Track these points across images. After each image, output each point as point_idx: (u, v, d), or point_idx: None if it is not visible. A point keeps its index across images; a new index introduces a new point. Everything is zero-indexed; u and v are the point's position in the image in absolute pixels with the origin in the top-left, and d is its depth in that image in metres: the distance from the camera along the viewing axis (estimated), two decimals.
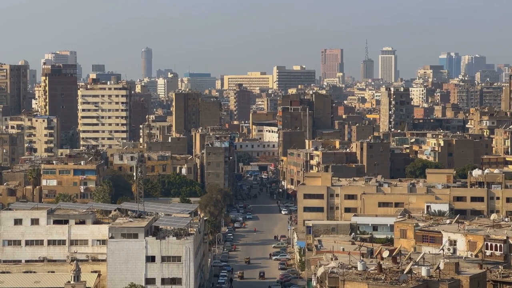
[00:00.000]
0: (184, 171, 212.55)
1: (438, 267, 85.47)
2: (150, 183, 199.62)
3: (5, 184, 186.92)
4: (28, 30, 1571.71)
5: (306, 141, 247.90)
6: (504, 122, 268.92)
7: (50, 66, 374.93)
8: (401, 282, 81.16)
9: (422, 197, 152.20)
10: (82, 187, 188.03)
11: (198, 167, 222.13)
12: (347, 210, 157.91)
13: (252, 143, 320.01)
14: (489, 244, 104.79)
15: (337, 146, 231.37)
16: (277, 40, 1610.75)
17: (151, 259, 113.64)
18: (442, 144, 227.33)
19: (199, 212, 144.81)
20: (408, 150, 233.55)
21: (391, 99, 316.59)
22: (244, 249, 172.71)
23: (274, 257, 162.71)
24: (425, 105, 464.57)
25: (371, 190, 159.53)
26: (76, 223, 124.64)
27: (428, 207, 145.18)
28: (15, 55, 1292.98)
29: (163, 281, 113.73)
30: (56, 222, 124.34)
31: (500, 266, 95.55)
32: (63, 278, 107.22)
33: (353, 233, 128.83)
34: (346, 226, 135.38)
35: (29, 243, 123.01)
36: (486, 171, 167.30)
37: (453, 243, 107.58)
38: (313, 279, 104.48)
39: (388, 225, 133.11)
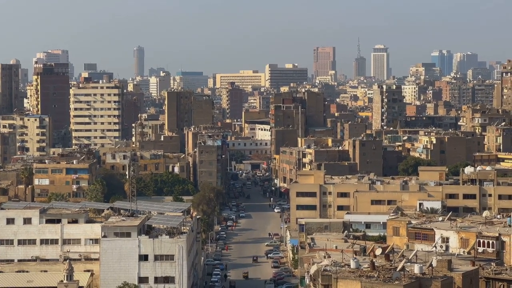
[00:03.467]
0: (176, 169, 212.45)
1: (430, 265, 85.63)
2: (143, 181, 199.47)
3: None
4: (20, 29, 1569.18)
5: (299, 139, 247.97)
6: (496, 119, 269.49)
7: (42, 65, 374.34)
8: (394, 280, 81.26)
9: (415, 194, 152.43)
10: (74, 186, 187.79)
11: (191, 165, 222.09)
12: (340, 208, 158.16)
13: (245, 141, 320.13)
14: (481, 241, 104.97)
15: (330, 144, 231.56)
16: (269, 38, 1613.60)
17: (144, 258, 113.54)
18: (434, 142, 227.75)
19: (192, 211, 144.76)
20: (400, 148, 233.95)
21: (384, 97, 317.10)
22: (237, 248, 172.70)
23: (268, 255, 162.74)
24: (418, 103, 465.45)
25: (364, 188, 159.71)
26: (68, 222, 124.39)
27: (420, 204, 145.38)
28: (6, 54, 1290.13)
29: (156, 279, 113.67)
30: (49, 221, 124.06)
31: (492, 263, 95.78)
32: (56, 277, 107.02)
33: (346, 231, 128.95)
34: (339, 224, 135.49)
35: (21, 242, 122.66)
36: (478, 168, 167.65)
37: (445, 240, 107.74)
38: (306, 277, 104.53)
39: (381, 223, 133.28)
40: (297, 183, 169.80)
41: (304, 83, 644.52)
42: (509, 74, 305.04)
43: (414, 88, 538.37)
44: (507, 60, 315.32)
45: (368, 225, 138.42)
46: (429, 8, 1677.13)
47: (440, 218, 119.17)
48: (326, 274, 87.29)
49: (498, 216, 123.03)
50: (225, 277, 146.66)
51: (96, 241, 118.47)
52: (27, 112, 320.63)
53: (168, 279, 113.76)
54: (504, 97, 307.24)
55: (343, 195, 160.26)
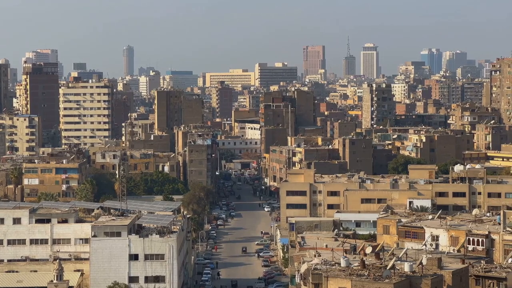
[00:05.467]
0: (166, 169, 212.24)
1: (421, 263, 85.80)
2: (133, 181, 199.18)
3: None
4: (9, 29, 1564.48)
5: (289, 138, 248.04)
6: (485, 117, 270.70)
7: (31, 65, 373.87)
8: (384, 278, 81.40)
9: (405, 193, 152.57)
10: (64, 185, 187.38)
11: (181, 164, 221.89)
12: (330, 206, 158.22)
13: (235, 140, 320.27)
14: (471, 239, 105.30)
15: (320, 142, 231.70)
16: (259, 37, 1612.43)
17: (134, 257, 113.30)
18: (424, 140, 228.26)
19: (182, 210, 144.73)
20: (390, 146, 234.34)
21: (373, 96, 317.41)
22: (227, 247, 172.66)
23: (257, 254, 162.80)
24: (407, 101, 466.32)
25: (354, 186, 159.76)
26: (58, 222, 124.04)
27: (410, 203, 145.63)
28: None
29: (147, 279, 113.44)
30: (38, 221, 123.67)
31: (482, 261, 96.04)
32: (45, 277, 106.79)
33: (336, 230, 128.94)
34: (329, 222, 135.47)
35: (11, 242, 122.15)
36: (467, 166, 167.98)
37: (435, 238, 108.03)
38: (296, 276, 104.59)
39: (371, 221, 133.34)
40: (287, 182, 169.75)
41: (294, 82, 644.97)
42: (498, 72, 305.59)
43: (404, 86, 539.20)
44: (496, 58, 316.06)
45: (358, 224, 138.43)
46: (418, 7, 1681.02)
47: (430, 216, 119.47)
48: (317, 272, 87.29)
49: (488, 214, 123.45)
50: (218, 275, 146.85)
51: (86, 240, 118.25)
52: (16, 112, 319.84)
53: (158, 279, 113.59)
54: (493, 95, 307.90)
55: (333, 193, 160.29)
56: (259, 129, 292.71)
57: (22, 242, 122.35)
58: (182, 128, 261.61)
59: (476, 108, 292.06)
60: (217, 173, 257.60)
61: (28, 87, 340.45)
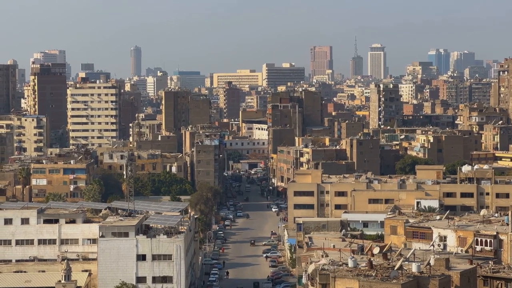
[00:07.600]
0: (174, 169, 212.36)
1: (428, 263, 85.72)
2: (140, 181, 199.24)
3: None
4: (17, 30, 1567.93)
5: (296, 138, 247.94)
6: (493, 118, 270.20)
7: (39, 65, 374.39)
8: (391, 279, 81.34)
9: (412, 193, 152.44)
10: (72, 186, 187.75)
11: (188, 165, 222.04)
12: (338, 207, 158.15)
13: (242, 140, 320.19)
14: (479, 239, 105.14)
15: (327, 143, 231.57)
16: (266, 37, 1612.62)
17: (141, 257, 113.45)
18: (431, 141, 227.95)
19: (189, 210, 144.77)
20: (398, 147, 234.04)
21: (381, 96, 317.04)
22: (235, 247, 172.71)
23: (264, 255, 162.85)
24: (415, 102, 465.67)
25: (361, 186, 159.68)
26: (66, 222, 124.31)
27: (418, 203, 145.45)
28: (3, 55, 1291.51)
29: (154, 279, 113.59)
30: (46, 221, 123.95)
31: (490, 262, 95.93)
32: (53, 277, 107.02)
33: (343, 230, 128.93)
34: (337, 223, 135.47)
35: (19, 242, 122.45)
36: (475, 167, 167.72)
37: (443, 239, 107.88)
38: (304, 276, 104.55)
39: (379, 222, 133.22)
40: (295, 182, 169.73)
41: (301, 82, 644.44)
42: (506, 72, 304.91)
43: (411, 87, 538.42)
44: (504, 58, 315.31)
45: (365, 224, 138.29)
46: (426, 7, 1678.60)
47: (438, 217, 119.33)
48: (324, 273, 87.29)
49: (496, 215, 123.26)
50: (226, 274, 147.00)
51: (94, 241, 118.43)
52: (24, 113, 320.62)
53: (166, 279, 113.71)
54: (501, 95, 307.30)
55: (341, 194, 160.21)
56: (266, 130, 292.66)
57: (30, 242, 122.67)
58: (189, 128, 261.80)
59: (484, 108, 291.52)
60: (225, 174, 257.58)
61: (36, 87, 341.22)
